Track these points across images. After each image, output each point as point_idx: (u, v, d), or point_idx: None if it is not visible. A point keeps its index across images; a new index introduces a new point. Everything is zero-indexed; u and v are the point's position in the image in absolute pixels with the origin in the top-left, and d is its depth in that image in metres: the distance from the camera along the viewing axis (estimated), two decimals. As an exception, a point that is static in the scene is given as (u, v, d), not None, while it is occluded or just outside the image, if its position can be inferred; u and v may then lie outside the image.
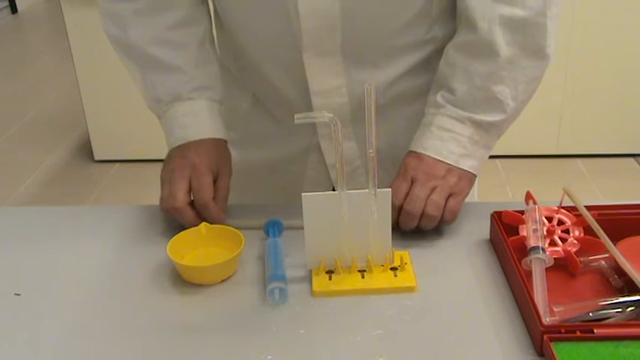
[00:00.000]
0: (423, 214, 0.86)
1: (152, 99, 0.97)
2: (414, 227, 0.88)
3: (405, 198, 0.86)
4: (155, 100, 0.96)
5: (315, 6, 0.86)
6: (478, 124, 0.89)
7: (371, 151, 0.76)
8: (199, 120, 0.94)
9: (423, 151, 0.89)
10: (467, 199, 1.11)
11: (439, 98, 0.91)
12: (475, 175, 0.91)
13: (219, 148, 0.95)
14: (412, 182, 0.87)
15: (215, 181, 0.91)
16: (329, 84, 0.93)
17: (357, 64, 0.92)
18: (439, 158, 0.88)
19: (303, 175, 1.05)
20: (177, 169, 0.90)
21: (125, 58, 0.97)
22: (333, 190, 1.03)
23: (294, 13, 0.87)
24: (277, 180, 1.07)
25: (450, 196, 0.87)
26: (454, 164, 0.88)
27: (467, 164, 0.89)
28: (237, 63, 1.02)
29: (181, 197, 0.88)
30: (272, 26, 0.91)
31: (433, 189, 0.86)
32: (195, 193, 0.89)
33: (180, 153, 0.92)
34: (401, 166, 0.89)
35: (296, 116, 0.74)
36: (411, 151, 0.90)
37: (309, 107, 0.95)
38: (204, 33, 0.97)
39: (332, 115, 0.74)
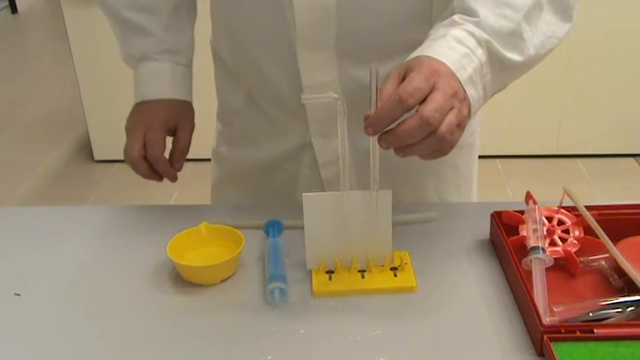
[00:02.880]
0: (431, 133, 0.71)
1: (126, 55, 1.05)
2: (408, 147, 0.71)
3: (422, 103, 0.70)
4: (128, 56, 1.05)
5: None
6: (494, 55, 0.78)
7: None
8: (160, 81, 1.02)
9: (440, 58, 0.74)
10: (466, 199, 1.11)
11: (456, 17, 0.80)
12: (469, 114, 0.76)
13: (177, 106, 1.03)
14: (432, 90, 0.71)
15: (175, 135, 1.01)
16: (321, 78, 0.93)
17: (351, 60, 0.92)
18: (455, 72, 0.74)
19: (298, 173, 1.05)
20: (134, 124, 0.99)
21: (108, 18, 1.06)
22: (323, 188, 1.03)
23: (288, 4, 0.87)
24: (272, 178, 1.07)
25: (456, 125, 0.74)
26: (462, 84, 0.74)
27: (470, 91, 0.75)
28: (232, 56, 1.03)
29: (135, 152, 0.96)
30: (266, 17, 0.91)
31: (451, 109, 0.72)
32: (148, 148, 0.97)
33: (139, 109, 1.02)
34: (416, 64, 0.73)
35: (303, 97, 0.77)
36: (426, 55, 0.75)
37: (301, 103, 0.95)
38: (181, 1, 1.04)
39: (337, 96, 0.74)
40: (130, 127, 0.99)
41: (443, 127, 0.70)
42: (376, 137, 0.72)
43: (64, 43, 2.98)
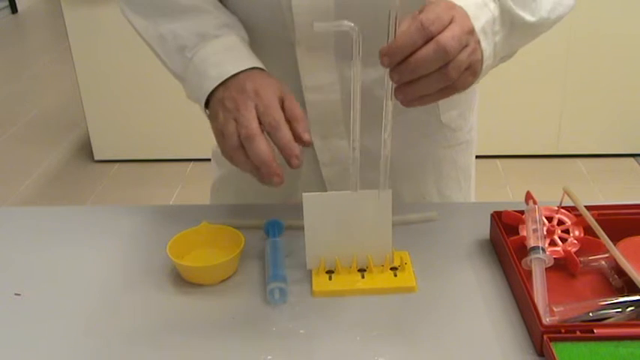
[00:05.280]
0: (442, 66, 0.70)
1: (175, 50, 0.87)
2: (417, 81, 0.70)
3: (441, 33, 0.69)
4: (179, 50, 0.86)
5: (308, 0, 0.86)
6: (506, 12, 0.78)
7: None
8: (236, 53, 0.84)
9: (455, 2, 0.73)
10: (465, 196, 1.11)
11: None
12: (482, 63, 0.75)
13: (269, 74, 0.83)
14: (450, 22, 0.70)
15: (282, 105, 0.79)
16: (321, 80, 0.93)
17: (350, 61, 0.92)
18: (470, 17, 0.73)
19: (298, 173, 1.04)
20: (238, 101, 0.77)
21: (136, 19, 0.92)
22: (324, 188, 1.02)
23: (287, 7, 0.87)
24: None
25: (466, 69, 0.72)
26: (476, 31, 0.73)
27: (483, 43, 0.74)
28: None
29: (255, 124, 0.75)
30: (265, 20, 0.90)
31: (465, 46, 0.71)
32: (263, 116, 0.76)
33: (225, 93, 0.79)
34: (431, 3, 0.73)
35: (315, 24, 0.72)
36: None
37: (301, 104, 0.95)
38: None
39: (352, 24, 0.72)
40: (228, 112, 0.77)
41: (453, 64, 0.69)
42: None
43: (64, 43, 2.98)
